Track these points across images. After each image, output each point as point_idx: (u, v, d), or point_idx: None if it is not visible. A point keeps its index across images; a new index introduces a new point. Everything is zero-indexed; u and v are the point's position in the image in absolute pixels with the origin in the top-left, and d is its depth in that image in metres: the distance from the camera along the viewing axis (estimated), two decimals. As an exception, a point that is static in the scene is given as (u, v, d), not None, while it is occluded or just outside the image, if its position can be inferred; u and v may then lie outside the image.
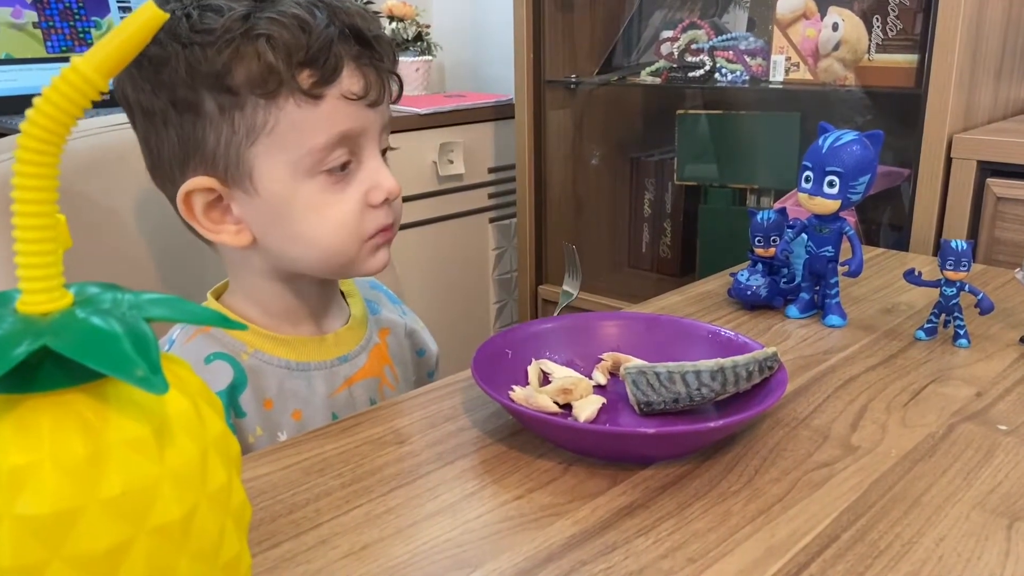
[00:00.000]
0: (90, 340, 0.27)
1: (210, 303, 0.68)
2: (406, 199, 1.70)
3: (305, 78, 0.57)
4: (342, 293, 0.73)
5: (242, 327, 0.32)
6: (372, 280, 0.80)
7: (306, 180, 0.60)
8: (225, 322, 0.32)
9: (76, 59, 0.29)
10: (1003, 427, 0.58)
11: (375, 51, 0.61)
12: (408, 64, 1.90)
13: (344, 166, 0.61)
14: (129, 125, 0.79)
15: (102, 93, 0.29)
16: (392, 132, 0.70)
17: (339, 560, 0.44)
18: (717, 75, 1.52)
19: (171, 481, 0.28)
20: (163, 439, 0.29)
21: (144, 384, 0.26)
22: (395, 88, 0.65)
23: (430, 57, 1.94)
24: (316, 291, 0.68)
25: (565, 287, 0.92)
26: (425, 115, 1.69)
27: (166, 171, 0.62)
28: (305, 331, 0.68)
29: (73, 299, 0.29)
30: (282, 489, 0.51)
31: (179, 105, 0.58)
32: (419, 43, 1.91)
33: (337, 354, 0.68)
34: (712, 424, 0.53)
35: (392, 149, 0.67)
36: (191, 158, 0.60)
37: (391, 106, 0.65)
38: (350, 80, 0.59)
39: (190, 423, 0.30)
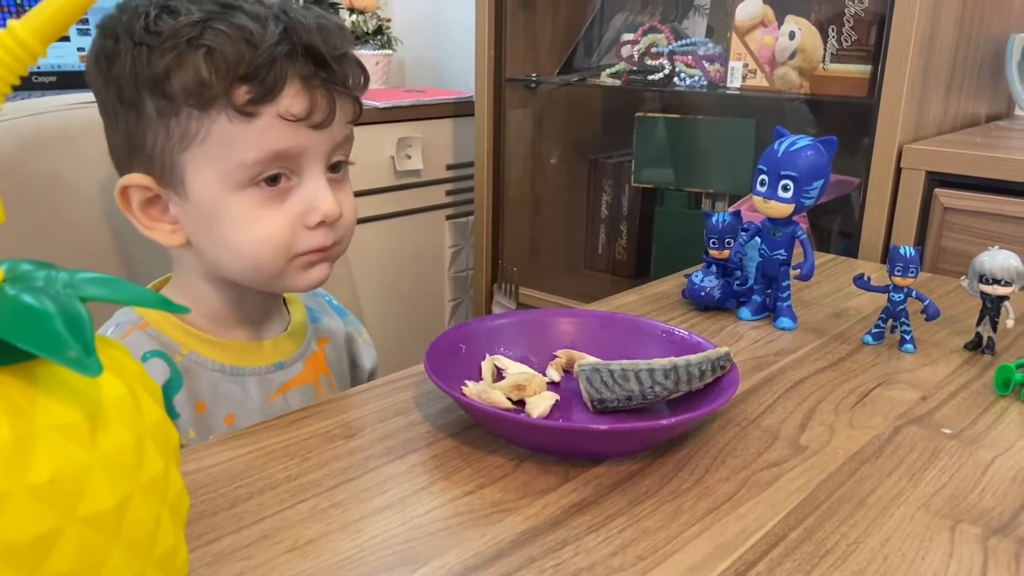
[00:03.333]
0: (19, 318, 0.26)
1: None
2: (362, 193, 1.69)
3: (242, 94, 0.56)
4: (284, 299, 0.73)
5: (185, 310, 0.31)
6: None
7: (236, 192, 0.59)
8: (167, 305, 0.31)
9: (13, 23, 0.27)
10: (947, 430, 0.59)
11: (333, 72, 0.59)
12: (368, 57, 1.88)
13: (275, 180, 0.59)
14: (74, 106, 0.77)
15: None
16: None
17: (282, 555, 0.43)
18: (676, 79, 1.54)
19: (103, 468, 0.27)
20: (96, 424, 0.27)
21: (76, 365, 0.25)
22: (354, 109, 0.62)
23: (390, 51, 1.92)
24: (254, 297, 0.67)
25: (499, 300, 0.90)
26: (384, 109, 1.68)
27: (116, 159, 0.63)
28: (241, 336, 0.67)
29: (3, 275, 0.28)
30: (224, 482, 0.49)
31: (124, 102, 0.59)
32: (379, 36, 1.89)
33: (273, 360, 0.67)
34: (664, 422, 0.53)
35: (349, 164, 0.65)
36: (133, 154, 0.60)
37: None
38: (292, 100, 0.57)
39: (126, 409, 0.29)
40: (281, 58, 0.56)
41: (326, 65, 0.58)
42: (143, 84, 0.57)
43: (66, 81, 1.60)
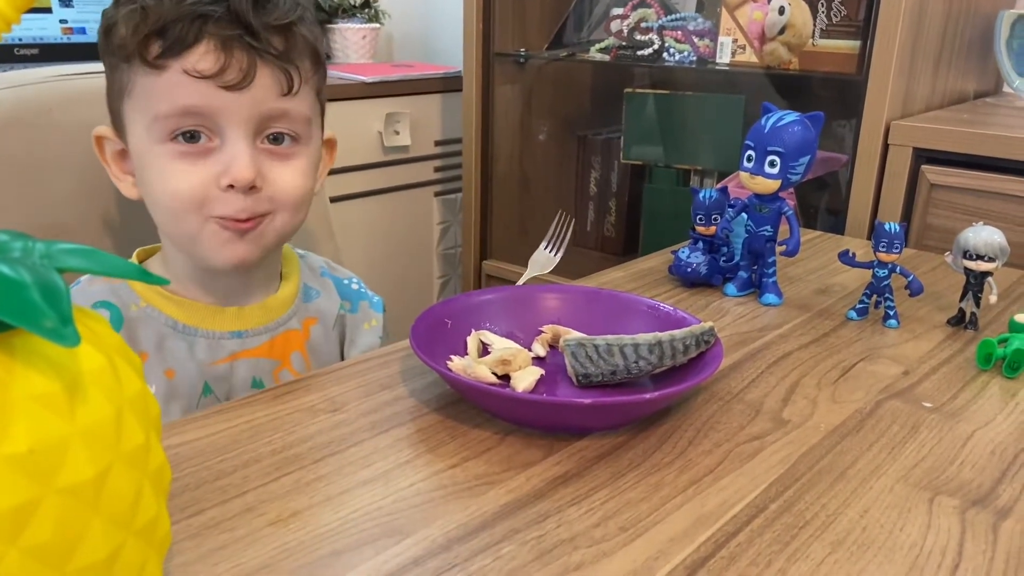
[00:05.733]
0: (-5, 288, 0.25)
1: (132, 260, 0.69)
2: (350, 169, 1.68)
3: (155, 48, 0.59)
4: (281, 273, 0.73)
5: (163, 282, 0.31)
6: (330, 268, 0.78)
7: (158, 145, 0.61)
8: (145, 276, 0.30)
9: (-16, -11, 0.27)
10: (928, 404, 0.60)
11: (262, 40, 0.59)
12: (355, 31, 1.86)
13: (194, 137, 0.60)
14: (54, 78, 0.76)
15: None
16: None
17: (265, 527, 0.43)
18: (665, 55, 1.53)
19: (82, 439, 0.27)
20: (74, 395, 0.27)
21: (53, 336, 0.25)
22: (287, 81, 0.61)
23: (378, 25, 1.90)
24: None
25: (541, 256, 0.87)
26: (371, 84, 1.66)
27: None
28: (208, 300, 0.68)
29: (-22, 246, 0.28)
30: (209, 455, 0.49)
31: (101, 57, 0.64)
32: (367, 10, 1.87)
33: (232, 328, 0.68)
34: (647, 396, 0.53)
35: (291, 136, 0.63)
36: (109, 106, 0.65)
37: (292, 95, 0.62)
38: (201, 58, 0.58)
39: (105, 380, 0.28)
40: (196, 16, 0.58)
41: (253, 31, 0.59)
42: (104, 41, 0.62)
43: (48, 54, 1.58)
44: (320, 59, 0.66)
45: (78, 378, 0.28)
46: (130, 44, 0.59)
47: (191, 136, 0.60)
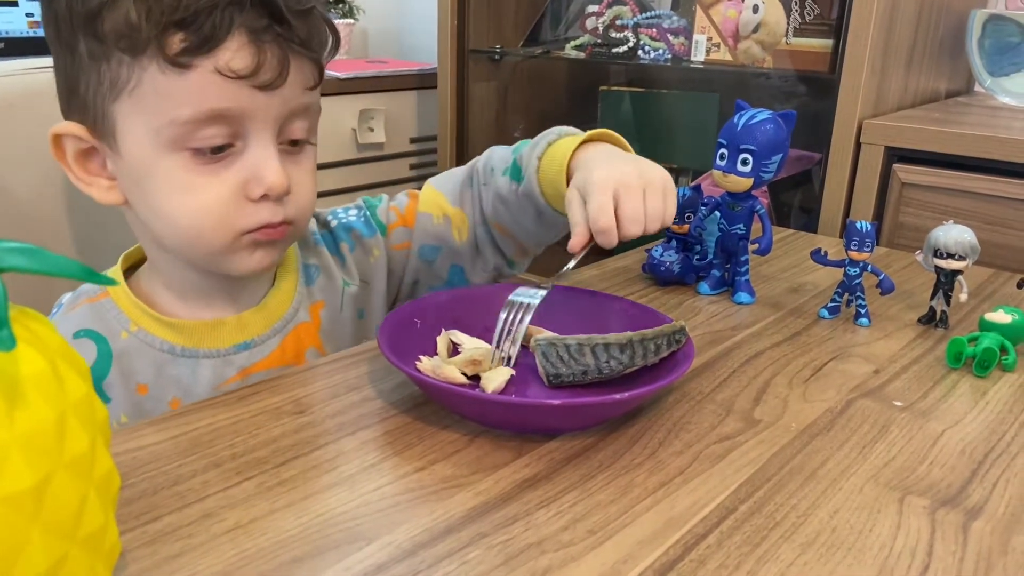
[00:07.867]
0: (-76, 290, 0.24)
1: (115, 271, 0.63)
2: (323, 166, 1.66)
3: (176, 42, 0.51)
4: None
5: (111, 282, 0.30)
6: (319, 225, 0.71)
7: (169, 153, 0.54)
8: (91, 276, 0.29)
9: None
10: (898, 403, 0.59)
11: (290, 27, 0.53)
12: (329, 27, 1.84)
13: (219, 149, 0.54)
14: (15, 73, 0.74)
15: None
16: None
17: (223, 534, 0.42)
18: (640, 52, 1.52)
19: (21, 447, 0.26)
20: (12, 401, 0.26)
21: (-14, 339, 0.24)
22: (313, 74, 0.57)
23: (352, 20, 1.88)
24: None
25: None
26: (345, 80, 1.65)
27: (60, 105, 0.58)
28: (209, 312, 0.62)
29: (-90, 245, 0.26)
30: (168, 460, 0.48)
31: (61, 41, 0.55)
32: (341, 5, 1.86)
33: (236, 340, 0.62)
34: (617, 396, 0.53)
35: (310, 144, 0.59)
36: (70, 99, 0.56)
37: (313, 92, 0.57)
38: (234, 55, 0.52)
39: (46, 385, 0.27)
40: (225, 6, 0.51)
41: (282, 19, 0.53)
42: (78, 23, 0.53)
43: (14, 48, 1.55)
44: (338, 42, 0.60)
45: (16, 383, 0.26)
46: (144, 34, 0.50)
47: (216, 149, 0.54)
